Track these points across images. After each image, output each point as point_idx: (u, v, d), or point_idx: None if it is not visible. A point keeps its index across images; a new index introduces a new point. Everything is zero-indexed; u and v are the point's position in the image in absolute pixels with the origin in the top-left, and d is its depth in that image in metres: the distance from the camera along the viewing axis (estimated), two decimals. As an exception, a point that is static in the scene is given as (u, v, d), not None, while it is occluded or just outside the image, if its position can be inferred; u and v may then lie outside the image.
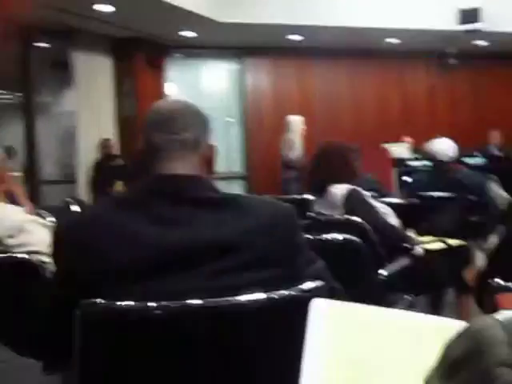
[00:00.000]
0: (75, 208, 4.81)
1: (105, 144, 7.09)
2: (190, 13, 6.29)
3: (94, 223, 1.20)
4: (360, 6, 7.26)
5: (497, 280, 1.10)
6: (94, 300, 1.12)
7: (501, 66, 9.35)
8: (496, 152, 8.46)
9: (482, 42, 8.55)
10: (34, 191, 7.80)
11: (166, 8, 6.02)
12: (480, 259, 3.38)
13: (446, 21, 7.58)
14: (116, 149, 7.31)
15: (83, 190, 7.00)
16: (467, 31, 7.67)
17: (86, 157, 7.06)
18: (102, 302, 1.12)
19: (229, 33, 7.37)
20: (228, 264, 1.16)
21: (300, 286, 1.21)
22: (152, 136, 1.27)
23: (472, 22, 7.56)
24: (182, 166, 1.26)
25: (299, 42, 8.09)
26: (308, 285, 1.22)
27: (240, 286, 1.15)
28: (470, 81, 9.37)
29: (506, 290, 1.10)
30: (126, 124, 7.43)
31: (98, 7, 5.97)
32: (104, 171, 6.98)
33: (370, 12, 7.33)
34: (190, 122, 1.29)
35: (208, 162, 1.33)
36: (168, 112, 1.30)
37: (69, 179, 7.54)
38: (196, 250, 1.16)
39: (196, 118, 1.32)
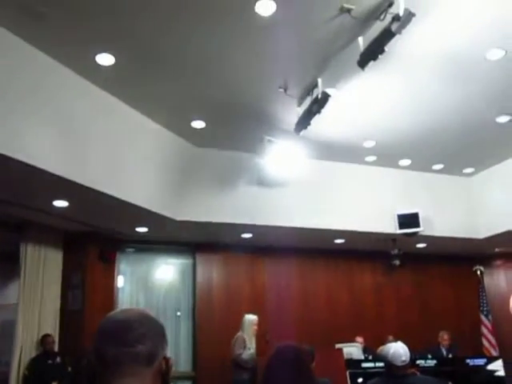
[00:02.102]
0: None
1: (45, 340, 6.68)
2: (144, 210, 6.43)
3: None
4: (310, 209, 7.70)
5: None
6: None
7: (440, 266, 9.80)
8: (446, 353, 8.46)
9: (421, 245, 9.04)
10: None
11: (121, 205, 6.14)
12: None
13: (387, 225, 8.08)
14: (55, 345, 6.87)
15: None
16: (406, 234, 8.14)
17: (23, 353, 6.58)
18: None
19: (182, 230, 7.54)
20: None
21: None
22: (102, 347, 1.19)
23: (411, 226, 8.08)
24: (134, 382, 1.17)
25: (251, 239, 8.32)
26: None
27: None
28: (413, 280, 9.71)
29: None
30: (70, 318, 7.10)
31: (56, 203, 6.06)
32: (39, 370, 6.48)
33: (320, 215, 7.75)
34: (145, 333, 1.22)
35: (163, 376, 1.25)
36: (122, 322, 1.23)
37: (0, 378, 6.92)
38: None
39: (152, 328, 1.25)
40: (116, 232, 7.57)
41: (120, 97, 5.88)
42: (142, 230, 7.53)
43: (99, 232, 7.41)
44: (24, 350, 6.60)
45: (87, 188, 5.51)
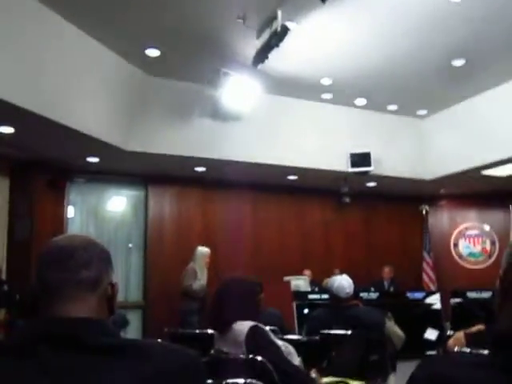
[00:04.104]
0: None
1: (-9, 268, 6.59)
2: (95, 140, 6.28)
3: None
4: (264, 144, 7.69)
5: None
6: None
7: (387, 205, 10.11)
8: (387, 286, 8.88)
9: (371, 183, 9.25)
10: None
11: (71, 134, 5.96)
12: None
13: (340, 163, 8.19)
14: (3, 274, 6.79)
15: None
16: (358, 173, 8.29)
17: (-31, 281, 6.48)
18: None
19: (134, 160, 7.43)
20: None
21: None
22: (45, 274, 1.18)
23: (362, 165, 8.22)
24: (77, 307, 1.16)
25: (203, 173, 8.29)
26: None
27: None
28: (361, 218, 9.99)
29: None
30: (17, 248, 7.00)
31: (1, 129, 5.83)
32: (-13, 297, 6.42)
33: (274, 150, 7.76)
34: (90, 260, 1.21)
35: (108, 301, 1.24)
36: (65, 247, 1.21)
37: None
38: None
39: (97, 254, 1.24)
40: (66, 162, 7.38)
41: (74, 22, 5.58)
42: (94, 160, 7.37)
43: (49, 161, 7.21)
44: (-30, 278, 6.50)
45: (35, 114, 5.28)
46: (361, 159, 8.22)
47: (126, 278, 8.19)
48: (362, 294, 7.08)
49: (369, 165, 8.18)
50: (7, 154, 6.92)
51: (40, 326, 1.12)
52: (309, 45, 6.18)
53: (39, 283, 1.19)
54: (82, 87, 5.95)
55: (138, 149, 7.01)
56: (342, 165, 8.22)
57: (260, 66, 5.82)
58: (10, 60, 4.92)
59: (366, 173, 8.31)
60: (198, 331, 4.86)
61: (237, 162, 7.67)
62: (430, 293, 7.75)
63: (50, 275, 1.17)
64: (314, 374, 2.63)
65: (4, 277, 6.80)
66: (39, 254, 1.22)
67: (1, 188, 7.02)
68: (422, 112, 8.64)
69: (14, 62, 4.96)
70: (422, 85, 7.40)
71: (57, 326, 1.12)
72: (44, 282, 1.18)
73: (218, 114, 7.14)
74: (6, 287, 6.61)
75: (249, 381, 2.05)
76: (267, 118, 7.66)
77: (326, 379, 2.76)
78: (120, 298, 7.36)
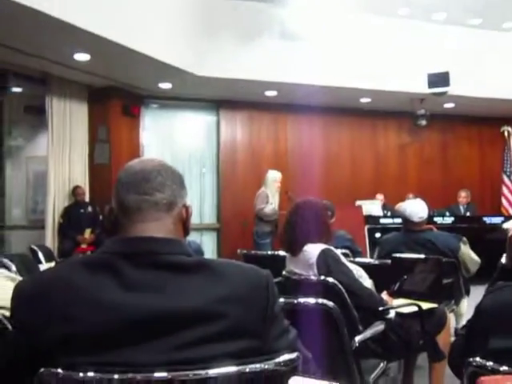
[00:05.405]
0: (41, 256, 4.69)
1: (76, 191, 6.99)
2: (167, 65, 6.34)
3: (57, 285, 1.13)
4: (336, 67, 7.44)
5: (477, 360, 1.06)
6: (53, 370, 1.07)
7: (466, 127, 9.66)
8: (463, 211, 8.63)
9: (449, 105, 8.84)
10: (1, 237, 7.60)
11: (144, 60, 6.07)
12: (453, 323, 3.35)
13: (416, 84, 7.82)
14: (86, 196, 7.20)
15: (50, 237, 6.83)
16: (435, 94, 7.92)
17: (56, 203, 6.92)
18: (61, 372, 1.07)
19: (206, 86, 7.45)
20: (197, 335, 1.10)
21: (274, 360, 1.15)
22: (124, 197, 1.23)
23: (440, 85, 7.81)
24: (155, 227, 1.21)
25: (275, 97, 8.21)
26: (282, 358, 1.17)
27: (209, 359, 1.09)
28: (438, 141, 9.63)
29: (486, 370, 1.06)
30: (98, 171, 7.35)
31: (77, 56, 5.99)
32: (73, 218, 6.86)
33: (346, 73, 7.51)
34: (164, 182, 1.25)
35: (183, 223, 1.29)
36: (141, 171, 1.25)
37: (37, 225, 7.37)
38: (164, 319, 1.10)
39: (171, 177, 1.27)
40: (140, 88, 7.52)
41: None
42: (166, 85, 7.45)
43: (122, 87, 7.37)
44: (57, 200, 6.93)
45: (110, 41, 5.41)
46: (439, 79, 7.80)
47: (201, 201, 8.44)
48: (436, 219, 6.97)
49: (447, 85, 7.76)
50: (84, 81, 7.13)
51: (120, 244, 1.18)
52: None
53: (118, 205, 1.24)
54: (155, 13, 5.95)
55: (210, 74, 7.00)
56: (419, 86, 7.84)
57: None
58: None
59: (444, 93, 7.91)
60: (270, 253, 5.00)
61: (308, 86, 7.49)
62: (509, 217, 7.48)
63: (127, 198, 1.22)
64: (385, 297, 2.65)
65: (87, 199, 7.22)
66: (117, 177, 1.27)
67: (80, 114, 7.28)
68: (509, 25, 7.98)
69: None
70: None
71: (136, 244, 1.17)
72: (122, 204, 1.23)
73: (287, 35, 6.93)
74: (90, 208, 7.03)
75: (320, 300, 2.10)
76: (339, 38, 7.36)
77: (396, 301, 2.78)
78: (195, 220, 7.66)
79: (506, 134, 9.83)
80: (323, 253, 2.57)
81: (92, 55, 5.97)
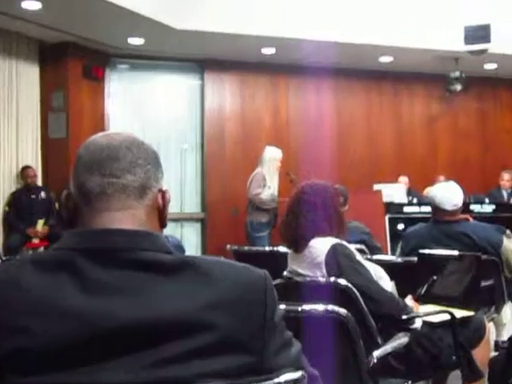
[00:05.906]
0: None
1: (25, 173, 6.97)
2: (139, 16, 6.31)
3: (3, 290, 1.13)
4: (350, 18, 7.42)
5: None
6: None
7: (510, 93, 9.70)
8: (507, 197, 8.64)
9: (490, 65, 8.85)
10: None
11: (109, 9, 6.03)
12: (493, 334, 3.37)
13: (449, 40, 7.82)
14: (38, 179, 7.19)
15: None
16: (473, 52, 7.93)
17: (1, 187, 6.91)
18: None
19: (187, 42, 7.43)
20: (178, 349, 1.10)
21: (273, 379, 1.16)
22: (85, 179, 1.22)
23: (480, 41, 7.82)
24: (124, 217, 1.20)
25: (273, 56, 8.20)
26: (283, 377, 1.18)
27: (193, 379, 1.09)
28: (476, 110, 9.66)
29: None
30: (53, 148, 7.34)
31: (25, 4, 5.94)
32: (22, 206, 6.85)
33: (362, 26, 7.49)
34: (135, 162, 1.23)
35: (158, 212, 1.28)
36: (106, 148, 1.23)
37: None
38: (137, 330, 1.09)
39: (143, 155, 1.26)
40: (104, 44, 7.48)
41: None
42: (137, 41, 7.44)
43: (83, 43, 7.34)
44: (1, 184, 6.92)
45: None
46: (478, 34, 7.81)
47: (181, 185, 8.44)
48: (473, 207, 7.00)
49: (488, 41, 7.77)
50: (35, 35, 7.08)
51: (80, 238, 1.18)
52: None
53: (77, 190, 1.23)
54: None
55: (192, 27, 6.98)
56: (453, 42, 7.85)
57: None
58: None
59: (484, 51, 7.93)
60: (267, 249, 5.03)
61: (315, 41, 7.49)
62: None
63: (89, 180, 1.21)
64: (409, 302, 2.66)
65: (39, 183, 7.20)
66: (76, 155, 1.26)
67: (30, 76, 7.24)
68: None
69: None
70: None
71: (100, 237, 1.17)
72: (82, 188, 1.22)
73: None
74: (43, 194, 7.02)
75: (330, 307, 2.10)
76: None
77: (424, 307, 2.80)
78: (174, 208, 7.64)
79: (559, 101, 9.88)
80: (333, 249, 2.58)
81: (44, 2, 5.92)
